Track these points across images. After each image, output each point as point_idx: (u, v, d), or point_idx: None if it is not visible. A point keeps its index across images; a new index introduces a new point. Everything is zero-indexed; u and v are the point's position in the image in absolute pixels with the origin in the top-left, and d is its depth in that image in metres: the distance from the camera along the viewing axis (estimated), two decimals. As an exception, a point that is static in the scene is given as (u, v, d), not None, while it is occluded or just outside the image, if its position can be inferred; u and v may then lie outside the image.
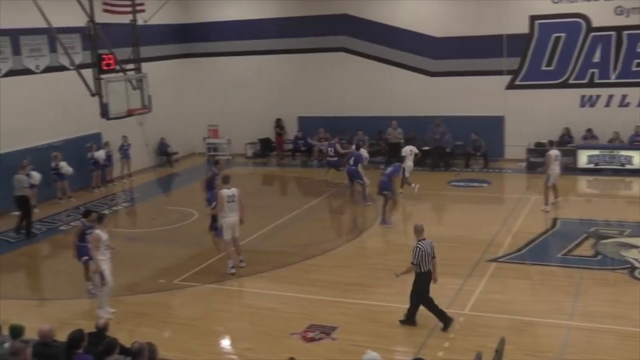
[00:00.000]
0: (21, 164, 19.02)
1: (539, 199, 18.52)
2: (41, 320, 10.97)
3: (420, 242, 11.11)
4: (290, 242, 16.74)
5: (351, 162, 19.58)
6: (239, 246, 14.63)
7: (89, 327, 8.67)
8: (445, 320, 11.13)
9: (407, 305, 11.27)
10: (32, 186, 19.17)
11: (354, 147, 20.57)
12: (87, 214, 13.60)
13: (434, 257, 11.18)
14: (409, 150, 20.50)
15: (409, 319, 11.34)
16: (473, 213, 18.50)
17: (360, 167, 19.51)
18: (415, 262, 11.05)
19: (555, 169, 17.98)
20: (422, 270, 11.07)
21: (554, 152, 18.11)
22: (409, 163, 20.21)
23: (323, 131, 25.55)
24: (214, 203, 15.39)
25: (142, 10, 19.55)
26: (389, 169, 17.87)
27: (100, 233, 12.34)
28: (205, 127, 28.17)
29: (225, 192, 14.30)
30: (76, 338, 7.88)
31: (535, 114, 23.35)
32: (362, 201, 19.43)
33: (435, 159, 23.82)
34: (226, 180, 14.57)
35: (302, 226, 18.19)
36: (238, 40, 27.35)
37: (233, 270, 14.26)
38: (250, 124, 27.38)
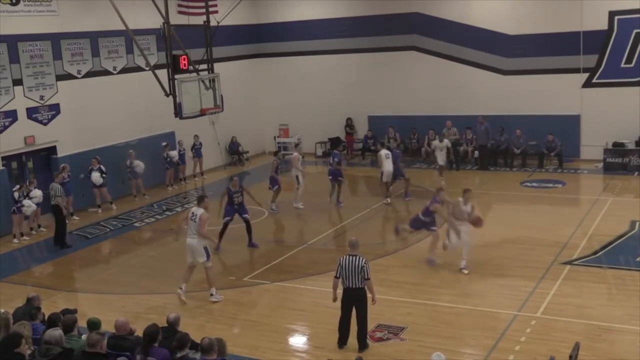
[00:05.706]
0: (59, 170, 18.64)
1: (616, 200, 17.90)
2: (116, 313, 11.34)
3: (347, 256, 10.53)
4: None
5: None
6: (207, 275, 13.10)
7: (160, 321, 8.85)
8: (341, 342, 10.70)
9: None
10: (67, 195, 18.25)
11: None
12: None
13: (367, 278, 10.41)
14: (384, 155, 19.52)
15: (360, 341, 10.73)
16: (547, 214, 18.03)
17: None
18: (337, 276, 10.53)
19: None
20: (345, 287, 10.50)
21: None
22: (387, 168, 19.40)
23: (392, 130, 25.42)
24: (227, 218, 16.00)
25: (215, 12, 19.96)
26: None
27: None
28: (276, 126, 28.47)
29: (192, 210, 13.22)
30: (155, 332, 8.10)
31: (613, 113, 22.55)
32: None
33: (485, 157, 23.59)
34: (200, 201, 13.26)
35: (370, 226, 18.14)
36: (309, 40, 27.50)
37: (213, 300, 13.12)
38: (321, 123, 27.51)
